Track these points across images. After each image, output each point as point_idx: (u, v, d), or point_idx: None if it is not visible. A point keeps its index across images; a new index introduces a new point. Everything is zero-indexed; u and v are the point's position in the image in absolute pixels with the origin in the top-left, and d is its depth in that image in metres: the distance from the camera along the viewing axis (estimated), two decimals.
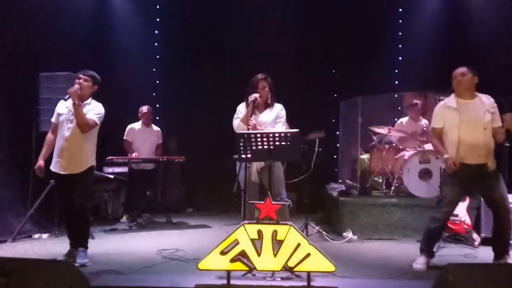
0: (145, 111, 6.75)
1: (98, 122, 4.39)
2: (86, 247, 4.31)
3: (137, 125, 6.74)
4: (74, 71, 5.65)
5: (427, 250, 4.13)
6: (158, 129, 6.93)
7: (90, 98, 4.45)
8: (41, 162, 4.36)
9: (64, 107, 4.41)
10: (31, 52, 5.82)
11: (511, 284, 2.63)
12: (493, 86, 6.42)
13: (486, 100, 4.04)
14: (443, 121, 4.10)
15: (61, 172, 4.31)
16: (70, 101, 4.33)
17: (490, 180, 3.99)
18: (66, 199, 4.32)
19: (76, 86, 4.30)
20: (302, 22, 7.93)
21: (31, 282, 2.68)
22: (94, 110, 4.40)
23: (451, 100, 4.11)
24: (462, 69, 4.06)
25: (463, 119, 3.97)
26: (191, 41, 8.15)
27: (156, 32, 8.16)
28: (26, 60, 5.73)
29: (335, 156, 7.84)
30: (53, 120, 4.48)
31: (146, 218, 6.60)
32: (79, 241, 4.30)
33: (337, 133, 7.61)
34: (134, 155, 6.43)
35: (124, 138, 6.63)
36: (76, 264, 4.05)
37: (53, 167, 4.37)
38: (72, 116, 4.28)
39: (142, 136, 6.70)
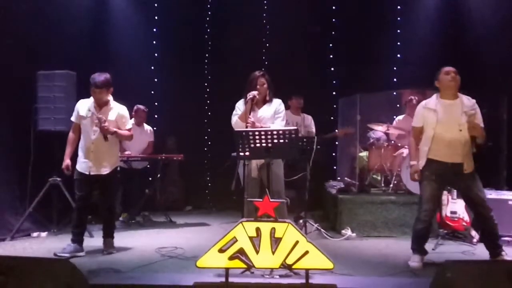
0: (138, 110, 6.71)
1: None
2: (113, 237, 4.70)
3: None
4: (73, 70, 5.68)
5: (418, 249, 4.16)
6: (150, 128, 6.89)
7: (111, 99, 4.61)
8: (67, 161, 4.54)
9: (85, 108, 4.54)
10: (30, 50, 5.79)
11: (508, 281, 2.64)
12: (490, 83, 6.48)
13: (466, 101, 4.10)
14: (422, 121, 4.18)
15: (88, 173, 4.48)
16: (91, 101, 4.52)
17: (466, 180, 4.05)
18: (86, 199, 4.53)
19: (106, 125, 4.41)
20: (301, 19, 7.91)
21: (29, 280, 2.69)
22: (126, 117, 4.67)
23: (431, 101, 4.19)
24: (452, 68, 4.12)
25: (440, 120, 4.05)
26: (189, 39, 8.14)
27: (155, 30, 8.14)
28: (24, 58, 5.72)
29: (333, 154, 7.83)
30: (73, 119, 4.62)
31: (144, 217, 6.60)
32: (111, 232, 4.69)
33: (336, 130, 7.59)
34: (126, 153, 6.42)
35: None
36: (105, 252, 4.53)
37: (79, 167, 4.53)
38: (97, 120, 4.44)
39: (133, 135, 6.66)
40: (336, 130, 6.06)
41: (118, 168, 4.81)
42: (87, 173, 4.48)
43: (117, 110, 4.60)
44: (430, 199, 4.09)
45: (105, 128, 4.39)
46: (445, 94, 4.11)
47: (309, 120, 6.47)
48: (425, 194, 4.11)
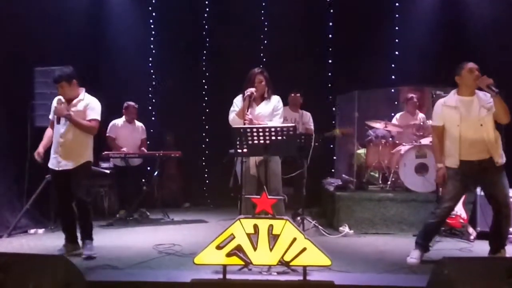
0: (128, 107, 6.68)
1: (99, 119, 4.43)
2: (92, 239, 4.37)
3: (120, 121, 6.67)
4: (70, 66, 5.65)
5: (423, 244, 4.14)
6: (141, 125, 6.87)
7: (83, 92, 4.43)
8: (40, 149, 4.42)
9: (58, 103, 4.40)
10: (26, 46, 5.78)
11: (506, 278, 2.64)
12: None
13: (482, 96, 4.05)
14: (442, 120, 4.11)
15: (57, 169, 4.33)
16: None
17: (492, 175, 3.97)
18: (63, 195, 4.37)
19: (62, 106, 4.30)
20: (300, 16, 7.90)
21: (27, 277, 2.68)
22: (93, 108, 4.39)
23: (450, 99, 4.10)
24: (475, 65, 4.02)
25: (463, 117, 3.97)
26: (187, 36, 8.13)
27: (152, 26, 8.13)
28: (21, 55, 5.70)
29: (331, 151, 7.84)
30: (50, 116, 4.51)
31: (142, 213, 6.59)
32: (85, 233, 4.36)
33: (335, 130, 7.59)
34: (124, 149, 6.41)
35: (107, 134, 6.57)
36: (83, 256, 4.19)
37: (50, 164, 4.39)
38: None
39: (125, 132, 6.65)
40: (336, 130, 6.06)
41: (89, 163, 4.47)
42: (56, 169, 4.34)
43: (86, 101, 4.40)
44: (452, 198, 4.04)
45: (59, 108, 4.27)
46: (465, 91, 4.03)
47: (308, 117, 6.47)
48: (448, 193, 4.04)
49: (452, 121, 4.03)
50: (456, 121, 3.99)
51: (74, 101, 4.37)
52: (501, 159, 3.99)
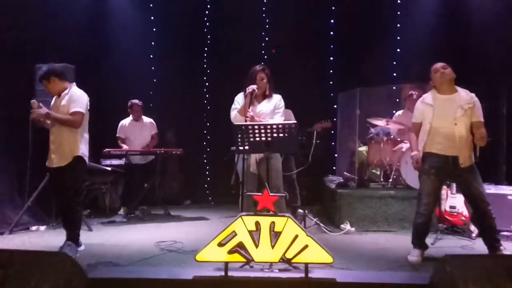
0: (133, 105, 6.68)
1: (83, 111, 4.27)
2: (75, 242, 4.23)
3: (127, 120, 6.69)
4: (71, 63, 5.65)
5: (419, 243, 4.16)
6: (150, 120, 6.87)
7: (70, 87, 4.35)
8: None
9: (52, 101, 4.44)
10: (27, 43, 5.77)
11: (507, 275, 2.64)
12: (490, 76, 6.46)
13: (464, 95, 4.12)
14: (421, 116, 4.22)
15: (50, 166, 4.32)
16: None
17: (465, 174, 4.06)
18: (58, 193, 4.37)
19: (38, 111, 4.20)
20: (301, 13, 7.88)
21: (29, 273, 2.68)
22: (74, 101, 4.25)
23: (428, 97, 4.23)
24: (441, 63, 4.16)
25: (436, 114, 4.08)
26: (189, 32, 8.11)
27: (153, 21, 8.10)
28: (21, 51, 5.69)
29: (333, 148, 7.83)
30: None
31: (144, 211, 6.60)
32: (68, 234, 4.24)
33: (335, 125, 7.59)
34: (124, 147, 6.42)
35: (117, 135, 6.62)
36: None
37: (47, 161, 4.38)
38: (54, 111, 4.29)
39: (133, 131, 6.66)
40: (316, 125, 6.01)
41: (80, 159, 4.29)
42: (49, 166, 4.31)
43: (70, 94, 4.29)
44: (430, 193, 4.09)
45: (36, 114, 4.17)
46: (441, 89, 4.16)
47: (289, 113, 6.38)
48: (424, 188, 4.12)
49: (426, 117, 4.16)
50: (429, 118, 4.11)
51: (61, 96, 4.33)
52: (469, 161, 4.05)
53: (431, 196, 4.10)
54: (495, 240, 4.04)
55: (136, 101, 6.72)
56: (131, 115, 6.71)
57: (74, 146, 4.26)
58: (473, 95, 4.14)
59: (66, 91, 4.32)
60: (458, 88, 4.15)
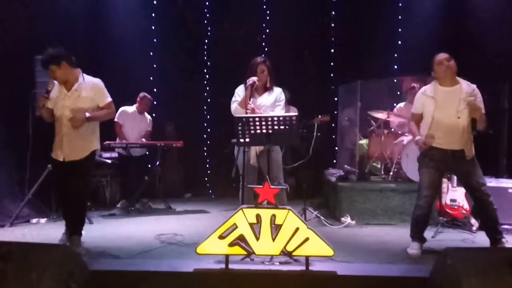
0: (145, 97, 6.65)
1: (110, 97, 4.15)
2: (81, 234, 4.19)
3: (130, 109, 6.62)
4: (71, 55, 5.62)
5: (417, 236, 4.16)
6: (150, 117, 6.85)
7: (80, 74, 4.10)
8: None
9: (55, 90, 4.10)
10: (28, 35, 5.74)
11: (508, 268, 2.63)
12: (491, 70, 6.44)
13: (465, 87, 4.08)
14: (421, 108, 4.19)
15: (61, 159, 4.09)
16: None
17: (466, 166, 4.04)
18: (64, 186, 4.14)
19: (77, 117, 3.97)
20: (302, 6, 7.84)
21: (30, 266, 2.68)
22: (101, 90, 4.09)
23: (429, 88, 4.18)
24: (445, 55, 4.10)
25: (438, 106, 4.04)
26: (189, 25, 8.07)
27: (153, 15, 8.06)
28: (21, 43, 5.66)
29: (333, 141, 7.82)
30: (49, 105, 4.17)
31: (144, 203, 6.59)
32: (75, 227, 4.16)
33: (336, 118, 7.57)
34: (124, 141, 6.40)
35: (115, 120, 6.43)
36: None
37: (53, 154, 4.15)
38: (68, 101, 4.04)
39: (133, 122, 6.62)
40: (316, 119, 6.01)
41: (95, 152, 4.26)
42: (60, 159, 4.08)
43: (90, 84, 4.06)
44: (430, 186, 4.08)
45: (75, 120, 3.95)
46: (443, 82, 4.10)
47: (294, 110, 6.36)
48: (424, 181, 4.10)
49: (427, 110, 4.11)
50: (431, 111, 4.07)
51: (75, 86, 4.06)
52: (471, 153, 4.04)
53: (430, 189, 4.09)
54: (497, 232, 4.04)
55: (149, 96, 6.70)
56: (137, 105, 6.66)
57: (93, 140, 4.17)
58: (474, 86, 4.11)
59: (80, 80, 4.06)
60: (460, 80, 4.11)
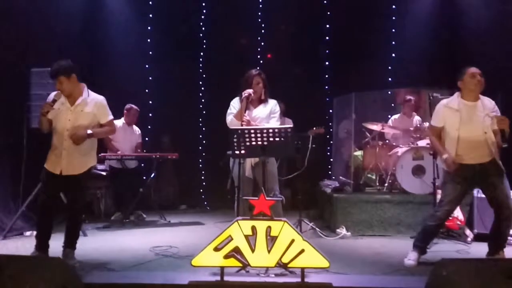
0: (131, 109, 6.66)
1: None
2: (75, 248, 4.15)
3: (119, 122, 6.57)
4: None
5: (421, 246, 4.13)
6: (138, 129, 6.87)
7: (85, 90, 4.11)
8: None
9: (59, 102, 4.05)
10: (23, 47, 5.75)
11: (504, 279, 2.64)
12: (484, 81, 6.50)
13: (487, 104, 4.03)
14: (443, 121, 4.08)
15: (58, 173, 4.02)
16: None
17: (493, 178, 3.95)
18: (52, 201, 4.11)
19: (79, 134, 3.96)
20: (297, 18, 7.91)
21: (23, 279, 2.66)
22: (104, 108, 4.14)
23: (453, 101, 4.07)
24: (477, 69, 4.01)
25: (464, 121, 3.95)
26: (184, 37, 8.11)
27: (149, 28, 8.11)
28: (16, 56, 5.67)
29: (328, 153, 7.84)
30: (50, 116, 4.12)
31: (139, 215, 6.56)
32: (70, 242, 4.13)
33: (331, 130, 7.61)
34: (119, 153, 6.39)
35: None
36: None
37: (48, 166, 4.07)
38: (71, 115, 4.04)
39: (123, 134, 6.62)
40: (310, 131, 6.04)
41: (93, 168, 4.33)
42: (57, 172, 4.02)
43: (94, 101, 4.09)
44: (453, 201, 4.02)
45: (76, 137, 3.94)
46: (468, 95, 4.01)
47: (289, 122, 6.39)
48: (449, 196, 4.01)
49: (452, 123, 4.01)
50: (456, 125, 3.97)
51: (79, 101, 4.06)
52: (499, 164, 3.96)
53: (453, 204, 4.04)
54: (502, 246, 4.01)
55: (135, 106, 6.72)
56: (124, 118, 6.68)
57: (91, 155, 4.19)
58: (494, 103, 4.04)
59: (84, 96, 4.09)
60: (481, 96, 4.05)
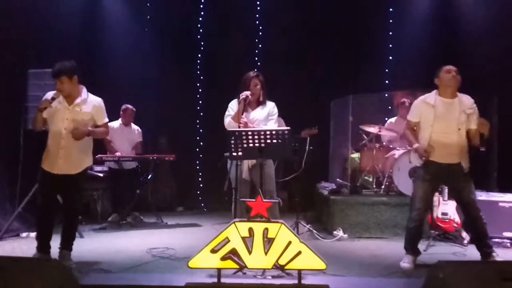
0: (127, 109, 6.66)
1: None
2: (71, 249, 4.16)
3: (116, 123, 6.59)
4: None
5: (412, 249, 4.16)
6: (138, 128, 6.85)
7: (84, 90, 4.14)
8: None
9: (56, 101, 4.03)
10: (20, 48, 5.74)
11: (500, 281, 2.65)
12: (480, 84, 6.53)
13: (465, 100, 4.08)
14: (419, 115, 4.15)
15: (55, 172, 4.03)
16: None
17: (460, 181, 4.05)
18: (50, 202, 4.11)
19: (78, 130, 3.98)
20: (294, 20, 7.92)
21: (19, 280, 2.65)
22: (102, 110, 4.19)
23: (430, 97, 4.14)
24: (453, 67, 4.09)
25: (438, 117, 4.02)
26: (182, 38, 8.11)
27: (147, 29, 8.10)
28: (14, 56, 5.66)
29: (326, 155, 7.84)
30: (44, 115, 4.11)
31: (136, 217, 6.55)
32: (67, 243, 4.13)
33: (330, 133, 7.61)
34: (117, 154, 6.38)
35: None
36: None
37: (45, 165, 4.07)
38: (69, 115, 4.04)
39: (121, 135, 6.62)
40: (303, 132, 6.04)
41: (89, 168, 4.39)
42: (54, 172, 4.03)
43: (92, 102, 4.14)
44: (423, 199, 4.09)
45: (77, 133, 3.96)
46: (444, 92, 4.07)
47: (281, 122, 6.38)
48: (418, 194, 4.11)
49: (426, 119, 4.08)
50: (430, 121, 4.04)
51: (78, 101, 4.08)
52: (467, 165, 4.06)
53: (423, 202, 4.10)
54: (486, 246, 4.05)
55: (130, 106, 6.72)
56: (121, 119, 6.68)
57: (88, 155, 4.23)
58: (473, 100, 4.09)
59: (83, 96, 4.12)
60: (459, 94, 4.10)
